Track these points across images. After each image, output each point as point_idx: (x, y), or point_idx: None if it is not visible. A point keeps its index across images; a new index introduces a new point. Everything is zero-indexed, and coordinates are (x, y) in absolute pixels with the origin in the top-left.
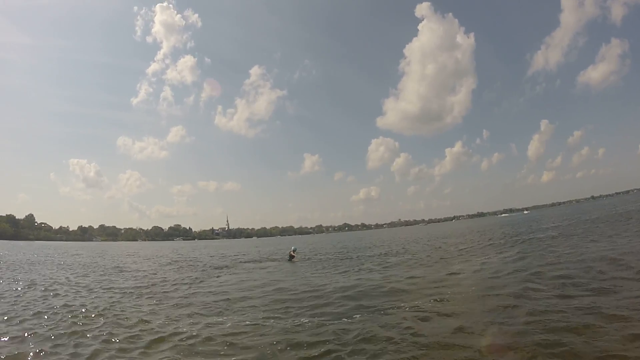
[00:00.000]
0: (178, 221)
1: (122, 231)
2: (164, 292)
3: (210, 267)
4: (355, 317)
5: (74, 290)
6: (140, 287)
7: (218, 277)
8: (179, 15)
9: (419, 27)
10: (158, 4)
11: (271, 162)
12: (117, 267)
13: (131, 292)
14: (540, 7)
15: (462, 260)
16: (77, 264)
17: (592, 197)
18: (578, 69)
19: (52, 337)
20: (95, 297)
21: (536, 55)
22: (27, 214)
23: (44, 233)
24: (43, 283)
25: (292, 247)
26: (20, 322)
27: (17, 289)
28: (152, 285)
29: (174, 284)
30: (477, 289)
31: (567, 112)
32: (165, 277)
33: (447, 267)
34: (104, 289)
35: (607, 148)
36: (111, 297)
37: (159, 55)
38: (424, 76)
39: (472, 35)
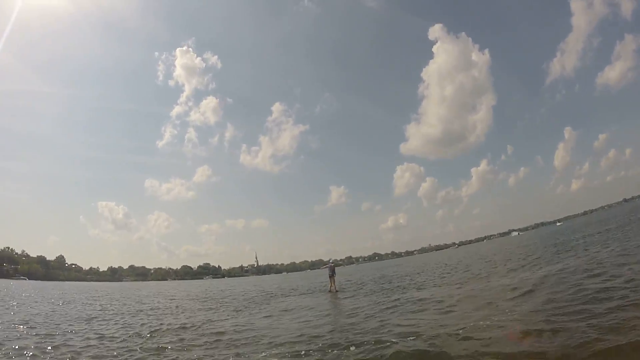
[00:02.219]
0: (207, 260)
1: (152, 271)
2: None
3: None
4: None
5: None
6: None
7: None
8: (198, 58)
9: (434, 49)
10: (178, 49)
11: (297, 196)
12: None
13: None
14: (551, 14)
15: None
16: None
17: (625, 200)
18: (596, 71)
19: None
20: None
21: (552, 63)
22: (57, 255)
23: (75, 274)
24: None
25: (330, 260)
26: None
27: None
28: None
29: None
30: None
31: (589, 117)
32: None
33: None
34: None
35: (634, 147)
36: None
37: (182, 97)
38: (444, 98)
39: (486, 51)
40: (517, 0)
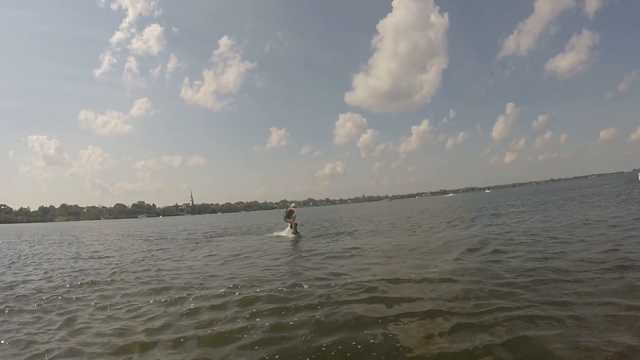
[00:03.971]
0: (142, 197)
1: (85, 210)
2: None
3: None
4: None
5: None
6: None
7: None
8: None
9: (394, 3)
10: None
11: (237, 136)
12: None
13: None
14: None
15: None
16: None
17: (552, 180)
18: (547, 56)
19: None
20: None
21: (507, 40)
22: None
23: (4, 215)
24: None
25: (292, 204)
26: None
27: None
28: None
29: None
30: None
31: (533, 97)
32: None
33: None
34: None
35: (570, 134)
36: None
37: (124, 23)
38: (396, 53)
39: (446, 15)
40: None
